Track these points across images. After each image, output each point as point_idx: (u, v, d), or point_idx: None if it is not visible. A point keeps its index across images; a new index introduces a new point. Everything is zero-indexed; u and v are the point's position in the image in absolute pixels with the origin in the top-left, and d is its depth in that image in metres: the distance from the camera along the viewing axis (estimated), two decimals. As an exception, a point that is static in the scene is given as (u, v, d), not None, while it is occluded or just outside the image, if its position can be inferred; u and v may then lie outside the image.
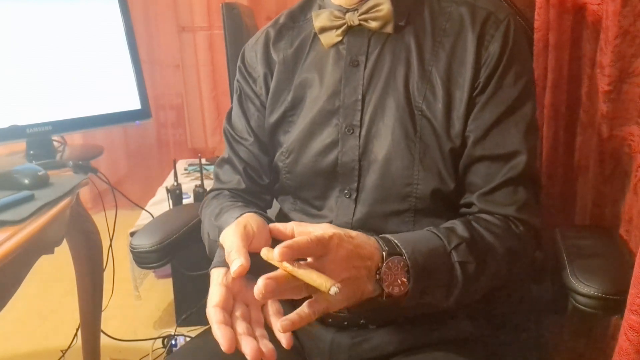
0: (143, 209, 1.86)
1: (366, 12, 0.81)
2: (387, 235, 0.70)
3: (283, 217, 0.92)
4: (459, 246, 0.72)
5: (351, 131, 0.82)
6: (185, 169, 2.45)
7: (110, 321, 1.81)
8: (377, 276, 0.66)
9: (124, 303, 2.03)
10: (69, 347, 1.74)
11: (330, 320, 0.85)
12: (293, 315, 0.61)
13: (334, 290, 0.57)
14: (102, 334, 1.61)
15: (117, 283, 1.73)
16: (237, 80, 0.94)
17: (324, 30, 0.85)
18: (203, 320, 0.65)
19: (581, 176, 1.03)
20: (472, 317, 0.85)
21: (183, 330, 1.85)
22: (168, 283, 1.99)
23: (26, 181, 1.13)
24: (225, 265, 0.69)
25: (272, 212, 1.07)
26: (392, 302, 0.68)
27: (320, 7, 0.88)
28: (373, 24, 0.81)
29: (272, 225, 0.72)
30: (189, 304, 1.87)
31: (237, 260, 0.64)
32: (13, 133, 1.38)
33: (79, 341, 1.61)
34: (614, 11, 0.86)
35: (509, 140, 0.78)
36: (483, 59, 0.78)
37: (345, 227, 0.81)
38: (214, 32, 2.85)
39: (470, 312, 0.85)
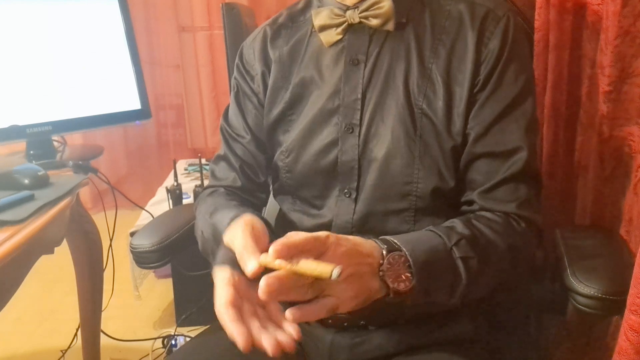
0: (143, 209, 1.86)
1: (367, 9, 0.81)
2: (385, 237, 0.70)
3: (282, 217, 0.92)
4: (459, 242, 0.71)
5: (351, 130, 0.81)
6: (185, 169, 2.45)
7: (110, 321, 1.81)
8: (380, 273, 0.66)
9: (124, 303, 2.03)
10: (69, 347, 1.74)
11: (330, 321, 0.85)
12: (304, 305, 0.61)
13: (336, 272, 0.56)
14: (102, 334, 1.61)
15: (117, 283, 1.73)
16: (235, 78, 0.94)
17: (323, 28, 0.84)
18: (203, 320, 0.65)
19: (581, 176, 1.03)
20: (472, 317, 0.85)
21: (183, 330, 1.85)
22: (168, 283, 1.99)
23: (26, 181, 1.13)
24: (231, 264, 0.68)
25: (271, 212, 1.07)
26: (399, 300, 0.67)
27: (318, 6, 0.87)
28: (374, 22, 0.81)
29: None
30: (189, 304, 1.86)
31: (252, 261, 0.63)
32: (13, 133, 1.38)
33: (79, 341, 1.61)
34: (614, 11, 0.86)
35: (510, 137, 0.78)
36: (483, 55, 0.78)
37: (346, 226, 0.82)
38: (214, 32, 2.85)
39: (470, 312, 0.85)
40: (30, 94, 1.43)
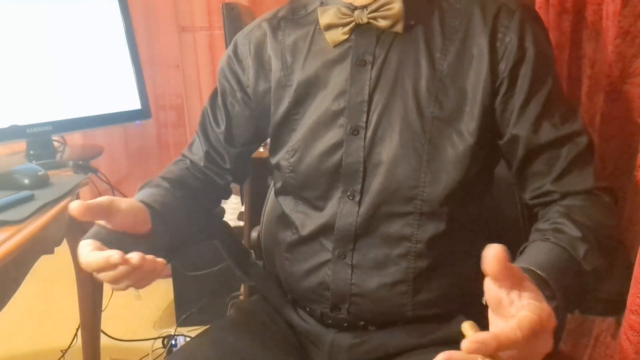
0: (143, 209, 1.85)
1: (376, 10, 0.79)
2: (540, 274, 0.63)
3: (283, 218, 0.91)
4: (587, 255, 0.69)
5: (356, 132, 0.80)
6: (185, 169, 2.44)
7: (110, 321, 1.81)
8: None
9: (124, 303, 2.03)
10: (69, 347, 1.74)
11: (330, 321, 0.86)
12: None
13: None
14: (102, 334, 1.61)
15: (117, 283, 1.72)
16: (222, 69, 0.93)
17: (330, 27, 0.82)
18: (203, 320, 0.65)
19: (581, 176, 1.03)
20: (472, 317, 0.85)
21: (183, 330, 1.85)
22: (168, 283, 1.99)
23: (26, 181, 1.13)
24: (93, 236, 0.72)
25: (271, 212, 1.07)
26: None
27: (322, 4, 0.85)
28: (382, 23, 0.79)
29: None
30: (189, 304, 1.87)
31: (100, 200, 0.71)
32: (13, 133, 1.38)
33: (79, 341, 1.61)
34: (614, 11, 0.86)
35: (560, 123, 0.77)
36: (500, 52, 0.77)
37: (349, 228, 0.81)
38: (214, 32, 2.84)
39: (469, 313, 0.85)
40: (30, 94, 1.43)
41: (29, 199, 1.07)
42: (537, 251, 0.69)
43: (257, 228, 1.12)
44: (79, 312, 1.55)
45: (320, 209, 0.85)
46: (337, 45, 0.82)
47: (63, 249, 1.29)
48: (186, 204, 0.89)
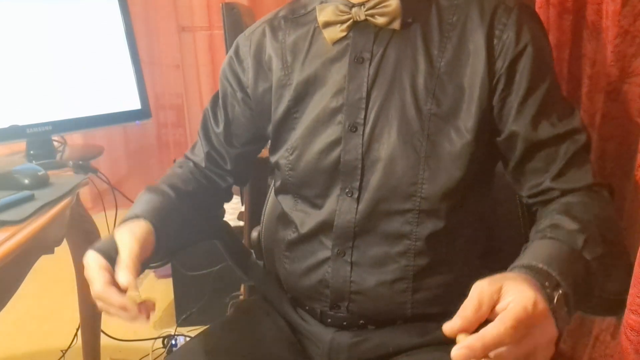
0: (143, 209, 1.85)
1: (373, 7, 0.79)
2: (542, 267, 0.62)
3: (283, 217, 0.91)
4: (585, 245, 0.67)
5: (355, 129, 0.80)
6: (185, 169, 2.44)
7: (110, 321, 1.81)
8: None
9: (124, 303, 2.03)
10: (69, 347, 1.74)
11: (329, 320, 0.86)
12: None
13: None
14: (102, 334, 1.61)
15: (117, 283, 1.72)
16: (223, 70, 0.93)
17: (328, 24, 0.82)
18: (203, 320, 0.66)
19: (581, 176, 1.03)
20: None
21: (183, 330, 1.85)
22: (168, 283, 1.99)
23: (26, 181, 1.13)
24: (106, 255, 0.76)
25: (271, 212, 1.07)
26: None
27: (321, 2, 0.86)
28: (380, 20, 0.79)
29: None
30: (189, 304, 1.87)
31: (123, 276, 0.72)
32: (13, 133, 1.38)
33: (79, 341, 1.61)
34: (614, 11, 0.86)
35: (558, 121, 0.77)
36: (497, 49, 0.77)
37: (348, 225, 0.81)
38: (214, 32, 2.84)
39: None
40: (30, 94, 1.43)
41: (29, 199, 1.07)
42: (535, 249, 0.69)
43: (258, 228, 1.12)
44: (79, 312, 1.55)
45: (319, 206, 0.85)
46: (336, 42, 0.83)
47: (63, 249, 1.29)
48: (189, 212, 0.91)
